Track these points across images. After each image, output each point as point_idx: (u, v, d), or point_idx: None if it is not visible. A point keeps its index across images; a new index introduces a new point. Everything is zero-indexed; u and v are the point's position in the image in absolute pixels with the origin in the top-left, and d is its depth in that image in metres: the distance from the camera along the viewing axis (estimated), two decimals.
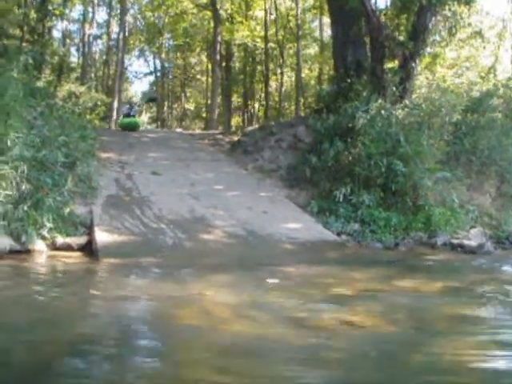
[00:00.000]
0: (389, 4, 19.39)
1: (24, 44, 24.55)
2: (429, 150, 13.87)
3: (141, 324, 6.09)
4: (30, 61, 13.50)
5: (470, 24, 22.28)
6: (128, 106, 25.06)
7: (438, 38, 21.35)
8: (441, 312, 6.69)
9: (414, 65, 16.94)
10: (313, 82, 37.64)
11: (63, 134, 12.11)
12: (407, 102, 15.81)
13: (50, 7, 30.69)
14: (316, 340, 5.44)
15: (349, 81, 16.29)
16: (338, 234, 12.32)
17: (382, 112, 14.56)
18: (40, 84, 18.44)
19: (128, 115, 23.42)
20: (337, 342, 5.41)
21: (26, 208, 9.90)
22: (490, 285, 8.61)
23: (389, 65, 17.66)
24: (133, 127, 22.36)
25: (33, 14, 29.51)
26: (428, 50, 20.04)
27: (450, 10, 17.70)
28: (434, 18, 17.62)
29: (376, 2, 18.40)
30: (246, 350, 5.14)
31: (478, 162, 15.53)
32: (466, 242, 11.96)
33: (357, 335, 5.62)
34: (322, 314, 6.35)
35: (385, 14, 18.57)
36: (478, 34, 21.67)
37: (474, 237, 12.37)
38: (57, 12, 32.38)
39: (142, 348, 5.31)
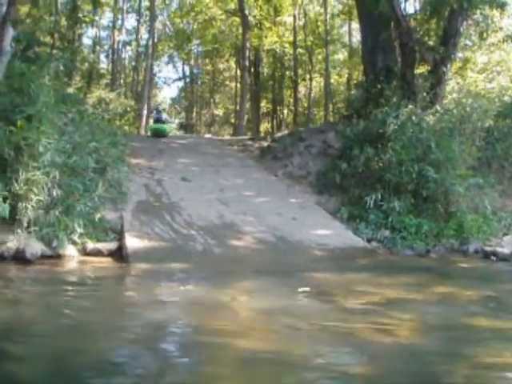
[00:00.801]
0: (418, 9, 19.28)
1: (55, 51, 24.74)
2: (460, 156, 13.71)
3: (173, 331, 6.08)
4: (61, 68, 13.61)
5: (501, 28, 22.04)
6: (156, 111, 25.10)
7: (468, 42, 21.19)
8: (475, 322, 6.57)
9: (444, 70, 16.78)
10: (342, 88, 37.52)
11: (94, 140, 12.18)
12: (438, 107, 15.65)
13: (80, 14, 31.00)
14: (349, 350, 5.38)
15: (379, 86, 16.19)
16: (369, 241, 12.22)
17: (413, 118, 14.44)
18: (70, 90, 18.62)
19: (157, 120, 23.25)
20: (370, 351, 5.34)
21: (57, 213, 9.97)
22: None
23: (419, 70, 17.53)
24: (161, 133, 22.07)
25: (63, 22, 29.89)
26: (459, 54, 19.87)
27: (481, 14, 17.52)
28: (465, 22, 17.47)
29: (405, 7, 18.16)
30: (276, 358, 5.09)
31: (510, 167, 15.33)
32: (498, 249, 11.75)
33: (390, 345, 5.54)
34: (354, 323, 6.27)
35: (414, 19, 18.44)
36: (510, 37, 21.35)
37: (507, 244, 12.16)
38: (87, 19, 32.70)
39: (173, 355, 5.28)
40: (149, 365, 4.93)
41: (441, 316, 6.81)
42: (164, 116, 23.83)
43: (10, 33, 11.33)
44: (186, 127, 43.86)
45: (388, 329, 5.98)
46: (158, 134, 21.99)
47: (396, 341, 5.63)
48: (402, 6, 17.48)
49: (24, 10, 24.78)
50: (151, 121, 26.19)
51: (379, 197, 13.10)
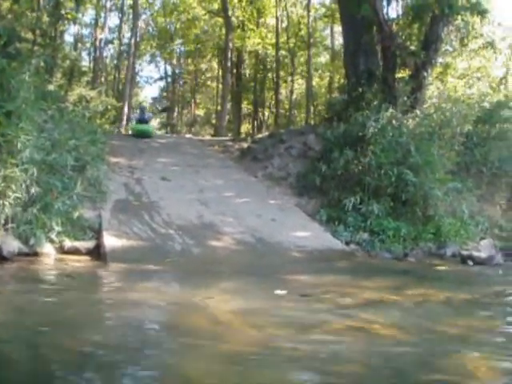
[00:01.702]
0: (401, 13, 19.38)
1: (36, 47, 24.61)
2: (439, 161, 13.82)
3: (146, 331, 6.03)
4: (42, 64, 13.53)
5: (482, 34, 22.24)
6: (139, 110, 24.19)
7: (449, 48, 21.34)
8: (449, 323, 6.60)
9: (425, 74, 16.88)
10: (323, 91, 37.60)
11: (73, 137, 12.12)
12: (418, 111, 15.76)
13: (62, 11, 30.77)
14: (327, 347, 5.39)
15: (360, 90, 16.24)
16: (347, 244, 12.28)
17: (393, 121, 14.53)
18: (51, 87, 18.47)
19: (141, 121, 22.26)
20: (351, 349, 5.36)
21: (35, 211, 9.91)
22: (500, 297, 8.57)
23: (400, 74, 17.63)
24: (146, 135, 21.09)
25: (45, 18, 29.61)
26: (439, 59, 19.99)
27: (462, 20, 17.67)
28: (446, 28, 17.59)
29: (388, 11, 18.24)
30: (250, 358, 5.09)
31: (488, 172, 15.48)
32: (475, 253, 11.83)
33: (365, 346, 5.56)
34: (331, 324, 6.29)
35: (397, 23, 18.54)
36: (490, 44, 21.56)
37: (483, 248, 12.23)
38: (69, 16, 32.45)
39: (145, 356, 5.22)
40: (114, 364, 4.89)
41: (417, 318, 6.83)
42: (147, 115, 23.07)
43: None
44: (167, 126, 43.79)
45: (367, 330, 6.00)
46: (142, 135, 21.00)
47: (375, 341, 5.65)
48: (385, 10, 17.53)
49: (6, 5, 24.58)
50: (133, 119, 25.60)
51: (358, 200, 13.17)
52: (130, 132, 23.41)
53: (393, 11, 26.01)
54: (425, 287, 8.99)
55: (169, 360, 4.99)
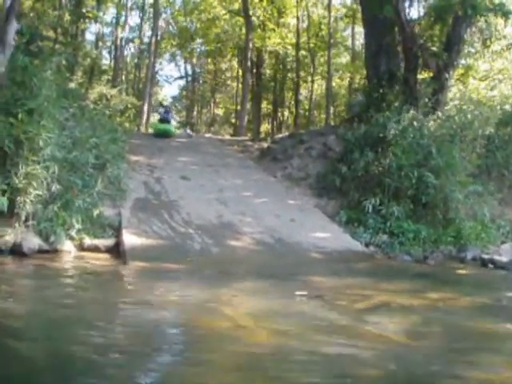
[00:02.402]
0: (422, 14, 19.24)
1: (57, 46, 24.72)
2: (460, 163, 13.71)
3: (162, 333, 6.01)
4: (64, 62, 13.58)
5: (504, 36, 22.04)
6: (164, 109, 23.77)
7: (472, 49, 21.15)
8: (472, 328, 6.55)
9: (447, 76, 16.75)
10: (343, 91, 37.46)
11: (94, 135, 12.17)
12: (440, 113, 15.63)
13: (84, 10, 30.91)
14: (347, 352, 5.36)
15: (381, 91, 16.15)
16: (367, 245, 12.21)
17: (414, 123, 14.43)
18: (72, 86, 18.57)
19: (163, 120, 22.12)
20: (368, 354, 5.31)
21: (55, 208, 9.97)
22: None
23: (422, 76, 17.51)
24: (167, 135, 20.87)
25: (67, 17, 29.79)
26: (461, 61, 19.85)
27: (485, 21, 17.49)
28: (469, 29, 17.43)
29: (410, 12, 18.11)
30: (267, 361, 5.07)
31: (510, 176, 15.33)
32: (496, 257, 11.74)
33: (386, 349, 5.51)
34: (351, 326, 6.24)
35: (419, 24, 18.39)
36: None
37: (504, 252, 12.15)
38: (90, 15, 32.57)
39: (157, 363, 5.17)
40: (133, 363, 4.88)
41: (439, 322, 6.78)
42: (171, 115, 22.87)
43: (14, 26, 11.31)
44: (186, 125, 43.83)
45: (388, 333, 5.95)
46: (164, 135, 20.80)
47: (396, 345, 5.61)
48: (407, 11, 17.42)
49: (28, 3, 24.74)
50: (153, 119, 25.50)
51: (378, 201, 13.10)
52: (150, 130, 22.90)
53: (414, 12, 25.90)
54: (445, 291, 8.88)
55: (180, 359, 4.99)
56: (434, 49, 17.41)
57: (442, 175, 13.20)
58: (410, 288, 8.95)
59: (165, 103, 28.86)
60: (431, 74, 17.14)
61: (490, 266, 11.41)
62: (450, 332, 6.36)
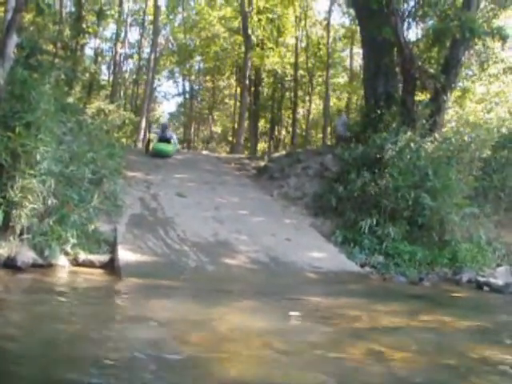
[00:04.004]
0: (420, 36, 19.36)
1: (57, 60, 24.77)
2: (457, 185, 13.74)
3: (152, 349, 5.84)
4: (62, 76, 13.59)
5: (502, 60, 22.22)
6: (161, 128, 22.80)
7: (469, 72, 21.30)
8: (467, 352, 6.49)
9: (445, 98, 16.83)
10: (336, 111, 37.60)
11: (91, 150, 12.15)
12: (437, 135, 15.69)
13: (84, 25, 31.03)
14: (338, 375, 5.31)
15: (378, 111, 16.20)
16: (362, 266, 12.18)
17: (411, 144, 14.46)
18: (70, 100, 18.57)
19: (162, 139, 20.98)
20: (360, 378, 5.27)
21: (50, 222, 9.93)
22: None
23: (419, 97, 17.58)
24: (164, 154, 20.10)
25: (67, 31, 29.91)
26: (459, 83, 19.95)
27: (483, 44, 17.63)
28: (466, 52, 17.55)
29: (408, 34, 18.22)
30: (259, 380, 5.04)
31: (506, 198, 15.37)
32: (492, 280, 11.71)
33: (381, 372, 5.46)
34: (345, 348, 6.19)
35: (417, 46, 18.51)
36: (511, 69, 21.51)
37: (500, 275, 12.13)
38: (90, 30, 32.74)
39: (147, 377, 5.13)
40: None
41: (433, 344, 6.73)
42: (169, 134, 21.50)
43: (14, 39, 11.30)
44: (183, 143, 43.79)
45: (382, 354, 5.91)
46: (161, 154, 20.09)
47: (387, 368, 5.56)
48: (405, 33, 17.51)
49: (28, 17, 24.78)
50: (150, 135, 25.14)
51: (374, 222, 13.11)
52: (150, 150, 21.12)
53: (412, 34, 26.08)
54: (440, 313, 8.84)
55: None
56: (432, 71, 17.50)
57: (438, 197, 13.22)
58: (405, 309, 8.90)
59: (162, 121, 28.18)
60: (429, 96, 17.22)
61: (486, 288, 11.37)
62: (447, 354, 6.30)
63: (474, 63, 20.81)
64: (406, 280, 11.78)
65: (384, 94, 17.37)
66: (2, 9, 16.25)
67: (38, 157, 9.98)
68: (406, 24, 17.62)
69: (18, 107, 10.51)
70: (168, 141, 20.87)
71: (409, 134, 14.74)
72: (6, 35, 11.21)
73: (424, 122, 15.70)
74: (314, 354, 5.89)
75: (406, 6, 17.51)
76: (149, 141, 22.43)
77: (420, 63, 17.34)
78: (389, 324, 7.68)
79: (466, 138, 15.72)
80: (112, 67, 40.35)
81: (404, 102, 16.75)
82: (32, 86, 10.97)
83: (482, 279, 11.79)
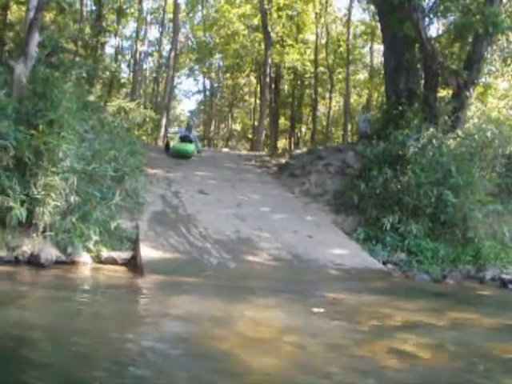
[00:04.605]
0: (441, 32, 19.20)
1: (77, 58, 24.86)
2: (480, 182, 13.59)
3: (178, 346, 5.92)
4: (84, 75, 13.65)
5: None
6: (186, 126, 22.04)
7: (492, 68, 21.07)
8: (491, 350, 6.42)
9: (467, 94, 16.63)
10: (361, 108, 37.41)
11: (113, 148, 12.19)
12: (459, 131, 15.52)
13: (104, 24, 31.14)
14: (364, 373, 5.27)
15: (400, 108, 16.07)
16: (384, 263, 12.08)
17: (434, 141, 14.31)
18: (91, 98, 18.64)
19: (184, 139, 19.93)
20: (391, 373, 5.23)
21: (73, 220, 9.96)
22: None
23: (441, 93, 17.43)
24: (186, 155, 19.29)
25: (88, 30, 30.02)
26: (481, 79, 19.74)
27: (506, 39, 17.43)
28: (489, 48, 17.35)
29: (429, 30, 18.03)
30: (287, 379, 5.01)
31: None
32: None
33: (409, 370, 5.42)
34: (370, 345, 6.15)
35: (439, 42, 18.35)
36: None
37: None
38: (111, 28, 32.86)
39: (173, 373, 5.15)
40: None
41: (458, 342, 6.66)
42: (193, 134, 20.75)
43: (36, 38, 11.38)
44: (204, 140, 43.75)
45: (407, 352, 5.86)
46: (182, 155, 19.27)
47: (416, 364, 5.52)
48: (426, 28, 17.35)
49: (49, 16, 24.92)
50: (170, 132, 24.92)
51: (396, 219, 12.98)
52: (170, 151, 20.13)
53: (433, 29, 25.86)
54: (464, 311, 8.77)
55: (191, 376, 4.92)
56: (454, 67, 17.34)
57: (461, 194, 13.09)
58: (430, 307, 8.82)
59: (184, 120, 27.23)
60: (451, 92, 17.06)
61: (510, 286, 11.23)
62: (472, 352, 6.24)
63: (496, 59, 20.55)
64: (429, 277, 11.66)
65: (405, 91, 17.23)
66: (24, 8, 16.43)
67: (61, 154, 10.04)
68: (427, 19, 17.47)
69: (41, 105, 10.60)
70: (190, 140, 19.96)
71: (431, 130, 14.59)
72: (28, 34, 11.29)
73: (446, 118, 15.54)
74: (339, 352, 5.86)
75: (427, 1, 17.36)
76: (167, 142, 21.47)
77: (442, 59, 17.18)
78: (413, 322, 7.63)
79: (488, 135, 15.53)
80: (132, 65, 40.45)
81: (426, 98, 16.59)
82: (54, 84, 11.05)
83: (506, 277, 11.65)
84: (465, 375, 5.42)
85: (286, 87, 39.97)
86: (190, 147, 19.61)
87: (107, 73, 33.69)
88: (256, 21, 36.50)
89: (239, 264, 10.44)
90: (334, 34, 36.97)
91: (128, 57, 42.33)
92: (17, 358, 4.96)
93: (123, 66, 41.98)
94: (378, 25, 23.43)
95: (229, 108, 47.14)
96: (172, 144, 20.20)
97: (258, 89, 38.82)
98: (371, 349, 6.03)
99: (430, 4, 17.39)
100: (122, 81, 37.43)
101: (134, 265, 9.97)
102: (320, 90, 37.43)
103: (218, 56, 43.43)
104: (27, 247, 9.35)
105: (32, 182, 9.75)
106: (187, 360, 5.44)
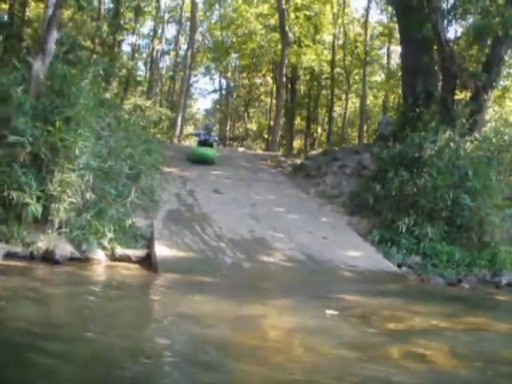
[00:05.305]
0: (460, 34, 19.09)
1: (95, 56, 24.95)
2: (497, 186, 13.50)
3: (195, 345, 5.91)
4: (101, 72, 13.69)
5: None
6: (204, 129, 20.89)
7: (510, 70, 20.94)
8: (508, 356, 6.37)
9: (486, 97, 16.53)
10: (377, 110, 37.28)
11: (129, 146, 12.23)
12: (477, 135, 15.40)
13: (121, 22, 31.25)
14: (384, 374, 5.23)
15: (417, 110, 15.99)
16: (399, 266, 12.00)
17: (451, 144, 14.23)
18: (108, 95, 18.69)
19: (203, 143, 18.99)
20: (407, 377, 5.19)
21: (88, 217, 10.00)
22: None
23: (459, 96, 17.32)
24: (206, 160, 18.19)
25: (105, 28, 30.11)
26: (500, 82, 19.61)
27: None
28: (509, 51, 17.22)
29: (448, 32, 17.91)
30: (301, 380, 4.98)
31: None
32: None
33: (425, 373, 5.37)
34: (385, 348, 6.11)
35: (457, 44, 18.25)
36: None
37: None
38: (128, 27, 32.98)
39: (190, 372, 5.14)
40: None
41: (473, 347, 6.60)
42: (213, 137, 19.59)
43: (54, 35, 11.40)
44: (233, 139, 43.64)
45: (422, 356, 5.81)
46: (203, 160, 18.16)
47: (431, 369, 5.47)
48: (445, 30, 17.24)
49: (67, 13, 25.03)
50: (188, 131, 24.81)
51: (412, 222, 12.91)
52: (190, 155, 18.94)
53: (451, 32, 25.74)
54: (480, 316, 8.70)
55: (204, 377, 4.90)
56: (472, 69, 17.23)
57: (478, 197, 13.00)
58: (444, 311, 8.75)
59: (210, 125, 25.49)
60: (469, 95, 16.94)
61: None
62: (487, 358, 6.17)
63: None
64: (444, 281, 11.56)
65: (423, 93, 17.14)
66: (42, 5, 16.48)
67: (77, 151, 10.06)
68: (446, 21, 17.37)
69: (58, 102, 10.63)
70: (210, 144, 18.94)
71: (448, 133, 14.50)
72: (47, 31, 11.31)
73: (464, 121, 15.43)
74: (353, 354, 5.82)
75: (446, 2, 17.26)
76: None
77: (460, 61, 17.07)
78: (427, 326, 7.56)
79: (506, 138, 15.42)
80: (149, 63, 40.57)
81: (444, 100, 16.49)
82: (71, 81, 11.11)
83: None
84: (478, 381, 5.36)
85: (302, 87, 39.91)
86: (211, 152, 18.60)
87: (124, 71, 33.78)
88: (273, 21, 36.46)
89: (253, 264, 10.42)
90: (352, 35, 36.88)
91: (145, 55, 42.53)
92: (31, 353, 4.95)
93: (140, 64, 42.17)
94: (396, 26, 23.34)
95: (244, 107, 47.15)
96: (191, 149, 19.30)
97: (274, 89, 38.77)
98: (384, 352, 5.99)
99: (449, 6, 17.29)
100: (139, 79, 37.51)
101: (148, 263, 9.96)
102: (336, 90, 37.32)
103: (234, 55, 43.49)
104: (42, 243, 9.36)
105: (48, 178, 9.77)
106: (207, 360, 5.41)
